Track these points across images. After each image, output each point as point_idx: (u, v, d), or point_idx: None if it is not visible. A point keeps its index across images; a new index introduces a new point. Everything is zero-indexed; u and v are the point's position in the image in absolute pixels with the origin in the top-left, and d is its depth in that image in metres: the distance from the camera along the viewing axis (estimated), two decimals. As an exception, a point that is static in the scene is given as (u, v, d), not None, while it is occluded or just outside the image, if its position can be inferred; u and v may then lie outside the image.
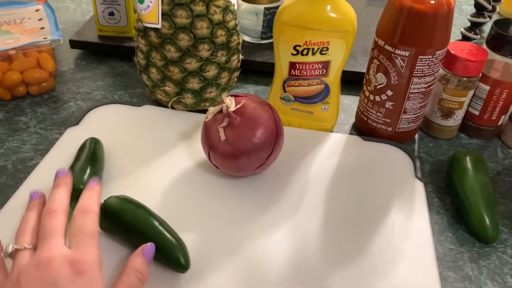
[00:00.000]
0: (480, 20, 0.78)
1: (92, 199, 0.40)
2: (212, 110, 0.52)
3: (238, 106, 0.51)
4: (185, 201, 0.52)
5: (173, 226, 0.48)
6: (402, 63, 0.56)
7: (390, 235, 0.50)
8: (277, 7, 0.75)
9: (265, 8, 0.76)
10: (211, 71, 0.61)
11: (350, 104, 0.72)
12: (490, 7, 0.77)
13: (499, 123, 0.65)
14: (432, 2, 0.53)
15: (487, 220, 0.51)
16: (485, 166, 0.57)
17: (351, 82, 0.74)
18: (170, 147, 0.60)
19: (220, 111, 0.52)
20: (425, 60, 0.55)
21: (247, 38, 0.80)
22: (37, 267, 0.34)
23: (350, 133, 0.66)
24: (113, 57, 0.79)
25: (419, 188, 0.56)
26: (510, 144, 0.65)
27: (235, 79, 0.66)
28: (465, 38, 0.81)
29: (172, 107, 0.65)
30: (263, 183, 0.55)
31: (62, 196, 0.41)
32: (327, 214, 0.52)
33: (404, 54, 0.55)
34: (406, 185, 0.56)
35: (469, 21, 0.81)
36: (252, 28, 0.79)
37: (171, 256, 0.43)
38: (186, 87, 0.61)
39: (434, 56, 0.55)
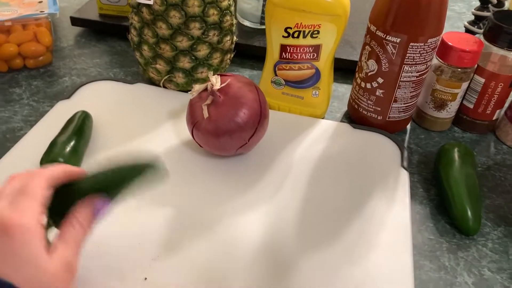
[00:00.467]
0: (484, 13, 0.77)
1: (52, 170, 0.37)
2: (197, 88, 0.52)
3: (223, 85, 0.51)
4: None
5: (149, 200, 0.48)
6: (393, 49, 0.55)
7: (367, 223, 0.49)
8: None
9: (265, -7, 0.75)
10: (202, 51, 0.61)
11: (344, 92, 0.71)
12: (494, 1, 0.75)
13: (494, 118, 0.63)
14: (426, -13, 0.52)
15: (469, 212, 0.50)
16: (473, 159, 0.56)
17: (348, 71, 0.73)
18: (158, 125, 0.60)
19: (206, 89, 0.52)
20: (416, 47, 0.54)
21: (246, 23, 0.80)
22: None
23: (341, 121, 0.65)
24: (113, 36, 0.79)
25: (404, 178, 0.55)
26: (504, 139, 0.63)
27: (228, 61, 0.66)
28: (468, 32, 0.79)
29: (164, 86, 0.65)
30: (246, 164, 0.55)
31: (39, 181, 0.35)
32: (306, 199, 0.51)
33: (395, 41, 0.54)
34: (391, 174, 0.55)
35: (473, 14, 0.79)
36: (251, 13, 0.79)
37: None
38: (177, 66, 0.61)
39: (426, 44, 0.54)
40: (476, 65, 0.60)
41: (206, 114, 0.51)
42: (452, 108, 0.62)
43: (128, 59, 0.74)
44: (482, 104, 0.62)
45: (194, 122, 0.52)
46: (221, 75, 0.53)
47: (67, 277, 0.34)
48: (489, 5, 0.76)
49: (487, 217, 0.52)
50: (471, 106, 0.63)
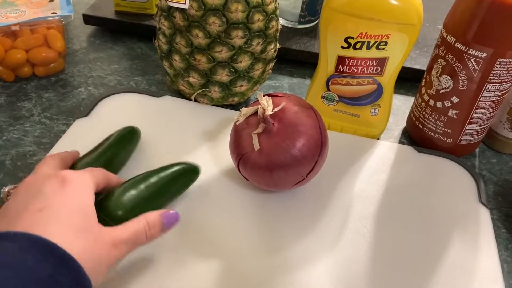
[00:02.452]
0: None
1: (94, 170, 0.39)
2: (244, 111, 0.44)
3: (276, 110, 0.42)
4: (205, 215, 0.44)
5: (187, 243, 0.40)
6: (475, 65, 0.46)
7: (451, 275, 0.41)
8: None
9: (306, -12, 0.66)
10: (244, 62, 0.52)
11: (400, 105, 0.62)
12: None
13: None
14: (522, -8, 0.43)
15: None
16: None
17: (402, 79, 0.64)
18: (192, 147, 0.51)
19: (254, 113, 0.43)
20: (505, 64, 0.46)
21: (282, 22, 0.71)
22: (31, 175, 0.36)
23: (400, 141, 0.57)
24: (131, 37, 0.70)
25: (485, 217, 0.47)
26: None
27: (270, 71, 0.57)
28: None
29: (195, 100, 0.56)
30: (299, 200, 0.47)
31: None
32: (375, 246, 0.43)
33: (479, 55, 0.46)
34: (469, 212, 0.47)
35: None
36: (289, 10, 0.69)
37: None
38: (213, 79, 0.53)
39: (516, 59, 0.46)
40: None
41: (257, 146, 0.42)
42: (531, 129, 0.54)
43: (151, 65, 0.65)
44: None
45: (241, 153, 0.44)
46: (272, 96, 0.44)
47: (111, 251, 0.33)
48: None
49: None
50: (553, 126, 0.54)
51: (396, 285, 0.40)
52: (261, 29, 0.51)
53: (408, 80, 0.64)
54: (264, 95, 0.44)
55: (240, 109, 0.44)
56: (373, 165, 0.52)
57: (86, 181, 0.35)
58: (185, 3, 0.48)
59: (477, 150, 0.57)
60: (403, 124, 0.59)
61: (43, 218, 0.31)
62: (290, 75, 0.66)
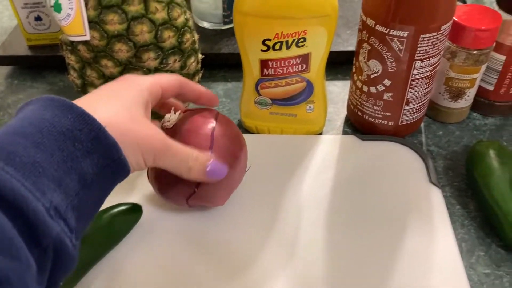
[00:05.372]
0: None
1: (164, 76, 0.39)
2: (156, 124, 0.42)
3: (176, 120, 0.41)
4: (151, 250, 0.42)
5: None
6: (400, 46, 0.44)
7: (412, 266, 0.40)
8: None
9: (223, -13, 0.63)
10: (165, 83, 0.49)
11: (339, 92, 0.60)
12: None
13: (518, 96, 0.54)
14: (431, -36, 0.41)
15: (525, 229, 0.41)
16: (511, 156, 0.47)
17: (336, 63, 0.62)
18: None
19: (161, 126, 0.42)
20: (428, 38, 0.44)
21: (206, 25, 0.67)
22: None
23: (344, 131, 0.55)
24: (51, 70, 0.66)
25: (437, 197, 0.46)
26: (532, 118, 0.55)
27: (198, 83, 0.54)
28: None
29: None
30: (245, 214, 0.44)
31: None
32: (332, 246, 0.42)
33: (402, 35, 0.44)
34: (421, 194, 0.46)
35: None
36: (210, 12, 0.66)
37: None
38: (137, 106, 0.49)
39: (439, 32, 0.44)
40: (494, 42, 0.50)
41: None
42: (470, 96, 0.53)
43: (76, 97, 0.61)
44: (504, 84, 0.52)
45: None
46: (186, 111, 0.42)
47: (157, 135, 0.34)
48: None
49: (543, 229, 0.44)
50: (491, 88, 0.53)
51: (358, 283, 0.39)
52: (175, 46, 0.47)
53: (344, 63, 0.62)
54: (186, 110, 0.42)
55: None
56: (319, 162, 0.50)
57: (140, 91, 0.35)
58: (85, 35, 0.44)
59: (422, 125, 0.55)
60: (344, 112, 0.57)
61: (85, 97, 0.33)
62: (224, 81, 0.63)
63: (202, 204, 0.43)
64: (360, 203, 0.45)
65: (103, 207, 0.40)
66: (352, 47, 0.62)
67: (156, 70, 0.47)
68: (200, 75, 0.55)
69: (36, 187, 0.25)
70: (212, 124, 0.40)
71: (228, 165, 0.39)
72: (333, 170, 0.49)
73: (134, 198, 0.46)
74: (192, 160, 0.36)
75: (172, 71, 0.49)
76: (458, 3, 0.66)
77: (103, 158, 0.28)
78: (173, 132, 0.39)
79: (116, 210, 0.42)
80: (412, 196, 0.46)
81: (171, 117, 0.40)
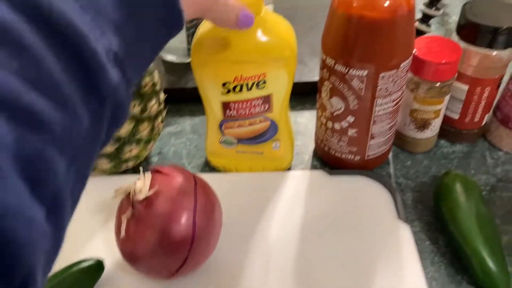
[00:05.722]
0: (433, 12, 0.65)
1: None
2: (120, 190, 0.40)
3: (150, 193, 0.38)
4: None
5: None
6: (360, 84, 0.44)
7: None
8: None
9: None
10: (124, 128, 0.48)
11: (306, 123, 0.60)
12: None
13: (483, 124, 0.54)
14: (387, 4, 0.40)
15: (492, 266, 0.41)
16: (478, 189, 0.46)
17: (304, 93, 0.62)
18: (82, 223, 0.47)
19: (129, 193, 0.40)
20: (388, 76, 0.44)
21: (171, 58, 0.67)
22: None
23: (313, 165, 0.54)
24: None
25: (406, 234, 0.45)
26: (498, 144, 0.55)
27: (161, 125, 0.53)
28: (418, 32, 0.67)
29: (89, 174, 0.52)
30: (211, 266, 0.43)
31: None
32: (302, 284, 0.41)
33: (361, 74, 0.43)
34: (390, 231, 0.45)
35: (421, 12, 0.66)
36: (176, 46, 0.65)
37: None
38: (98, 152, 0.48)
39: (399, 69, 0.44)
40: (456, 73, 0.50)
41: (122, 233, 0.38)
42: (436, 126, 0.52)
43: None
44: (469, 113, 0.52)
45: (117, 235, 0.40)
46: (156, 172, 0.40)
47: None
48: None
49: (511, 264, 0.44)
50: (456, 117, 0.53)
51: None
52: (133, 91, 0.46)
53: (311, 93, 0.62)
54: (146, 172, 0.40)
55: (117, 188, 0.40)
56: (287, 200, 0.49)
57: None
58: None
59: (390, 155, 0.55)
60: (312, 144, 0.56)
61: None
62: (191, 115, 0.62)
63: (187, 272, 0.41)
64: (329, 242, 0.45)
65: (64, 263, 0.40)
66: (317, 78, 0.62)
67: (116, 116, 0.46)
68: (164, 113, 0.54)
69: (95, 24, 0.21)
70: (191, 203, 0.39)
71: (211, 233, 0.39)
72: (302, 208, 0.48)
73: (98, 251, 0.45)
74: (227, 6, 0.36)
75: (132, 116, 0.48)
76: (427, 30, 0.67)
77: (162, 8, 0.26)
78: (147, 211, 0.37)
79: (76, 268, 0.40)
80: (381, 233, 0.46)
81: (142, 186, 0.38)
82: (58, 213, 0.20)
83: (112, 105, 0.23)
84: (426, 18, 0.67)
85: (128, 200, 0.39)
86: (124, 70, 0.23)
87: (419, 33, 0.66)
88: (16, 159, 0.18)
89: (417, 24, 0.65)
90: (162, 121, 0.53)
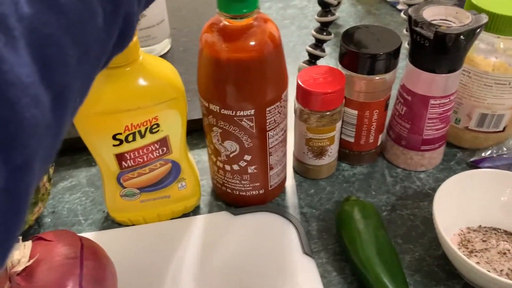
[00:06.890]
0: (325, 37, 0.66)
1: None
2: None
3: (29, 263, 0.35)
4: None
5: None
6: (250, 123, 0.44)
7: None
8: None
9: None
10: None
11: (205, 160, 0.58)
12: (335, 3, 0.66)
13: (379, 143, 0.56)
14: (252, 43, 0.41)
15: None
16: (376, 213, 0.47)
17: (196, 131, 0.60)
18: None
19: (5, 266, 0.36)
20: (274, 108, 0.44)
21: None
22: None
23: (218, 205, 0.53)
24: None
25: (312, 268, 0.45)
26: (395, 162, 0.57)
27: (47, 184, 0.49)
28: (312, 57, 0.69)
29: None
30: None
31: None
32: None
33: (249, 114, 0.43)
34: (296, 267, 0.45)
35: (313, 36, 0.68)
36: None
37: None
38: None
39: (281, 100, 0.44)
40: (343, 100, 0.51)
41: None
42: (333, 151, 0.54)
43: None
44: (363, 135, 0.54)
45: None
46: (40, 239, 0.38)
47: None
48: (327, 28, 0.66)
49: (414, 281, 0.45)
50: (352, 140, 0.55)
51: None
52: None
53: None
54: (26, 241, 0.37)
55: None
56: (194, 246, 0.48)
57: None
58: None
59: (295, 184, 0.55)
60: (217, 183, 0.55)
61: None
62: (88, 165, 0.59)
63: None
64: (237, 283, 0.44)
65: None
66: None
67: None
68: (52, 171, 0.50)
69: None
70: (77, 269, 0.36)
71: None
72: (210, 252, 0.47)
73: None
74: None
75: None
76: (303, 65, 0.68)
77: None
78: (27, 283, 0.34)
79: None
80: (288, 269, 0.45)
81: (21, 257, 0.35)
82: (62, 106, 0.20)
83: (124, 14, 0.23)
84: (319, 43, 0.68)
85: (5, 274, 0.36)
86: None
87: (315, 57, 0.68)
88: (31, 33, 0.17)
89: (311, 49, 0.67)
90: (49, 180, 0.50)
